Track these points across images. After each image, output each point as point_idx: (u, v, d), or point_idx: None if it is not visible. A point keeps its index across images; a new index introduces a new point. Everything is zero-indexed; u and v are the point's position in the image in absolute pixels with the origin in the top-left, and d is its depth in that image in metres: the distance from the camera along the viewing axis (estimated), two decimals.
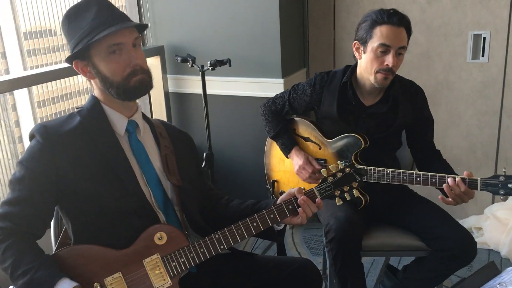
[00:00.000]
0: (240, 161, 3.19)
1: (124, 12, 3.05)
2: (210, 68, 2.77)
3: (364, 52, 1.92)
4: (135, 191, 1.42)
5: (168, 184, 1.51)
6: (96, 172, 1.39)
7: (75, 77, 2.65)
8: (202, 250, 1.40)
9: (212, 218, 1.62)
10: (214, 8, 2.96)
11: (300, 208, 1.44)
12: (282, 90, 2.85)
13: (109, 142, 1.43)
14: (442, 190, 1.79)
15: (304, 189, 1.49)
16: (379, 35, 1.86)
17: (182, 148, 1.61)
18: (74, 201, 1.39)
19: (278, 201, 1.46)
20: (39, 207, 1.37)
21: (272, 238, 1.57)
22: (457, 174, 1.81)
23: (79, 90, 2.90)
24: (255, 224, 1.42)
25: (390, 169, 1.87)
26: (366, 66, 1.92)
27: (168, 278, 1.37)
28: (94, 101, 1.47)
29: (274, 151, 2.29)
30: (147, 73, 1.42)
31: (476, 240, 1.90)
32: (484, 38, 2.74)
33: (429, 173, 1.79)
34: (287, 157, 2.17)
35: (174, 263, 1.38)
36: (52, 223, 1.59)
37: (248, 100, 3.03)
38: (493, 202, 2.96)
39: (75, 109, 1.48)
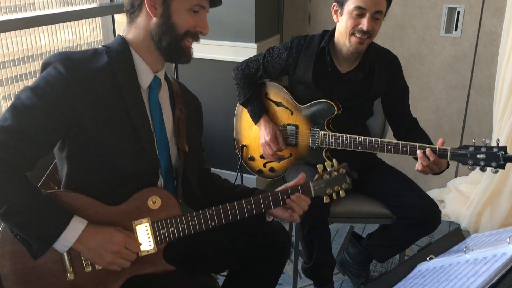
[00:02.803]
0: (209, 124, 3.14)
1: None
2: None
3: (341, 15, 1.89)
4: (151, 153, 1.35)
5: (174, 149, 1.45)
6: (114, 122, 1.28)
7: (37, 39, 2.52)
8: (193, 222, 1.37)
9: (204, 192, 1.57)
10: None
11: (289, 200, 1.44)
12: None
13: (133, 94, 1.32)
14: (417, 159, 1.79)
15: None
16: None
17: (191, 112, 1.54)
18: (82, 145, 1.27)
19: (278, 189, 1.45)
20: (42, 144, 1.23)
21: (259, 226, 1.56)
22: (433, 144, 1.80)
23: (41, 53, 2.75)
24: (249, 207, 1.40)
25: (362, 137, 1.86)
26: (342, 30, 1.89)
27: (154, 245, 1.34)
28: (124, 43, 1.34)
29: (245, 115, 2.24)
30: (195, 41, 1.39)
31: None
32: (458, 12, 2.75)
33: (400, 142, 1.79)
34: (256, 125, 2.13)
35: (163, 231, 1.35)
36: None
37: (220, 64, 2.97)
38: (456, 176, 3.02)
39: (101, 46, 1.35)
